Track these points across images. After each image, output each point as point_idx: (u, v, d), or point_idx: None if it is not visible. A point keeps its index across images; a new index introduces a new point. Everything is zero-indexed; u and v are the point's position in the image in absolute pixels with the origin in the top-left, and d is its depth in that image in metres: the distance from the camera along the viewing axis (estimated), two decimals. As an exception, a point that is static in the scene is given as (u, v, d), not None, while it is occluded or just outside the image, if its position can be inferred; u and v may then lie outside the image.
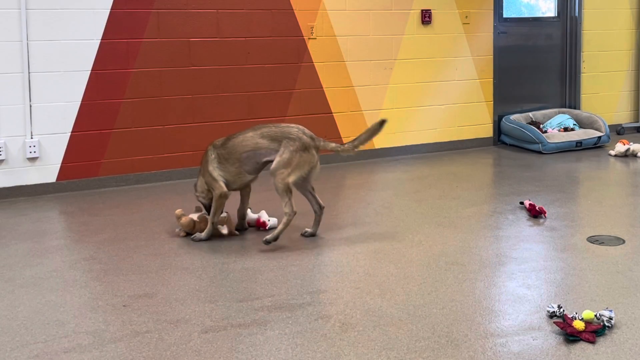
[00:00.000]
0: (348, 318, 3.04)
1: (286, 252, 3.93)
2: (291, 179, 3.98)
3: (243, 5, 5.97)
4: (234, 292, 3.36)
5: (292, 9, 6.17)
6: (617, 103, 8.02)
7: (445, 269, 3.64)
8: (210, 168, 4.14)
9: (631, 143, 6.65)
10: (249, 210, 4.42)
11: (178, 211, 4.25)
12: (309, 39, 6.25)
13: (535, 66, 7.57)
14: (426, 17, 6.74)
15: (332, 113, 6.41)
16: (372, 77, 6.58)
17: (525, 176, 5.83)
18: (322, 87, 6.35)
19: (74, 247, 4.13)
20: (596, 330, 2.83)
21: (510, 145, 7.16)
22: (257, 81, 6.07)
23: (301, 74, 6.24)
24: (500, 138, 7.26)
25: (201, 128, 5.86)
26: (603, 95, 7.92)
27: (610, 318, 2.89)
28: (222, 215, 4.25)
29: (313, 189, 4.20)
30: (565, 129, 7.19)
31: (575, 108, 7.72)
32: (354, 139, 4.19)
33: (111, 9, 5.50)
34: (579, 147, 6.92)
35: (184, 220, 4.21)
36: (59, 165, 5.43)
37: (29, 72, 5.28)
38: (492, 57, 7.17)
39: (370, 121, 6.53)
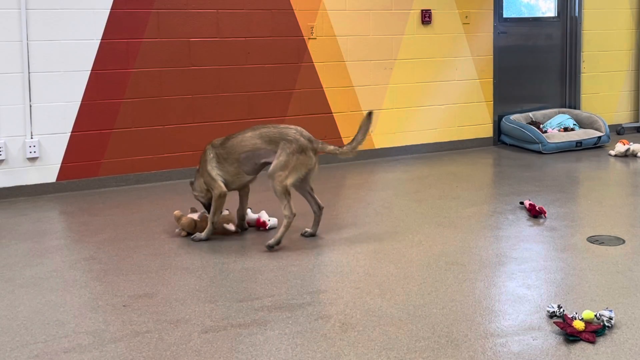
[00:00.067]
0: (348, 318, 3.04)
1: (286, 252, 3.93)
2: (289, 182, 3.97)
3: (243, 5, 5.97)
4: (234, 292, 3.36)
5: (292, 9, 6.17)
6: (617, 103, 8.02)
7: (445, 269, 3.64)
8: (209, 168, 4.14)
9: (631, 143, 6.65)
10: (249, 210, 4.42)
11: (177, 212, 4.26)
12: (309, 39, 6.25)
13: (535, 66, 7.57)
14: (426, 17, 6.75)
15: (332, 113, 6.41)
16: (372, 77, 6.58)
17: (525, 176, 5.83)
18: (322, 87, 6.35)
19: (74, 247, 4.13)
20: (596, 330, 2.83)
21: (510, 145, 7.16)
22: (257, 81, 6.07)
23: (301, 74, 6.24)
24: (500, 138, 7.27)
25: (201, 128, 5.86)
26: (603, 95, 7.92)
27: (610, 318, 2.89)
28: (224, 213, 4.25)
29: (312, 189, 4.20)
30: (565, 129, 7.19)
31: (575, 108, 7.72)
32: (351, 141, 4.14)
33: (111, 9, 5.51)
34: (579, 147, 6.92)
35: (184, 220, 4.22)
36: (59, 165, 5.43)
37: (29, 72, 5.28)
38: (492, 57, 7.17)
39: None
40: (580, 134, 7.03)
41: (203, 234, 4.16)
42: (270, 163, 4.06)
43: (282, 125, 4.15)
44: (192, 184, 4.30)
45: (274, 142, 4.04)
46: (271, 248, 3.96)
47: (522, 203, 4.82)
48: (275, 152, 4.02)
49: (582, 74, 7.75)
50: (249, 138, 4.11)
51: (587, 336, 2.79)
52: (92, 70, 5.48)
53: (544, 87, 7.69)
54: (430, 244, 4.05)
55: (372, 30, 6.54)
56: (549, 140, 6.79)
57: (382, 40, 6.59)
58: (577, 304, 3.14)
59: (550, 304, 3.05)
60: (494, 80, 7.20)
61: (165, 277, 3.58)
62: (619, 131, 7.86)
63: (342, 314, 3.08)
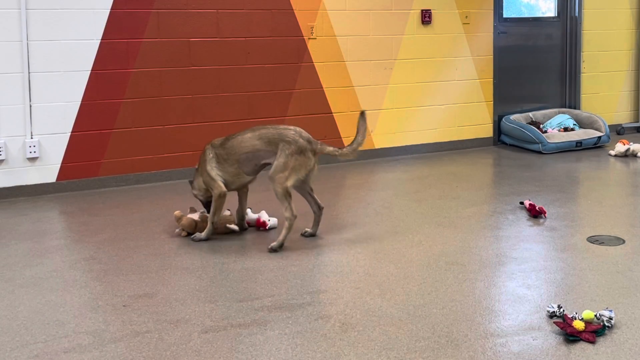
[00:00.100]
0: (348, 318, 3.04)
1: (286, 252, 3.93)
2: (289, 183, 3.97)
3: (243, 5, 5.97)
4: (234, 292, 3.36)
5: (292, 9, 6.17)
6: (617, 103, 8.02)
7: (445, 269, 3.64)
8: (209, 168, 4.14)
9: (631, 143, 6.65)
10: (248, 210, 4.42)
11: (177, 212, 4.26)
12: (309, 39, 6.25)
13: (535, 66, 7.57)
14: (426, 17, 6.75)
15: (332, 113, 6.41)
16: (372, 77, 6.58)
17: (525, 176, 5.83)
18: (322, 87, 6.35)
19: (74, 247, 4.13)
20: (596, 330, 2.83)
21: (510, 145, 7.16)
22: (257, 81, 6.07)
23: (301, 74, 6.24)
24: (500, 138, 7.27)
25: (201, 128, 5.86)
26: (603, 95, 7.92)
27: (610, 318, 2.89)
28: (225, 213, 4.25)
29: (312, 189, 4.20)
30: (565, 129, 7.19)
31: (575, 108, 7.73)
32: (352, 142, 4.12)
33: (111, 9, 5.51)
34: (579, 147, 6.92)
35: (184, 221, 4.21)
36: (59, 165, 5.43)
37: (29, 72, 5.28)
38: (492, 57, 7.17)
39: (370, 121, 6.55)
40: (580, 134, 7.03)
41: (203, 234, 4.16)
42: (270, 164, 4.06)
43: (281, 126, 4.14)
44: (191, 182, 4.30)
45: (273, 144, 4.03)
46: (274, 251, 3.95)
47: (522, 203, 4.82)
48: (275, 153, 4.02)
49: (582, 74, 7.75)
50: (249, 139, 4.10)
51: (587, 336, 2.79)
52: (92, 70, 5.48)
53: (544, 87, 7.69)
54: (430, 244, 4.05)
55: (372, 30, 6.54)
56: (549, 140, 6.80)
57: (382, 40, 6.59)
58: (577, 304, 3.14)
59: (550, 304, 3.05)
60: (494, 80, 7.20)
61: (165, 277, 3.58)
62: (619, 131, 7.86)
63: (342, 314, 3.08)
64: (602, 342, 2.78)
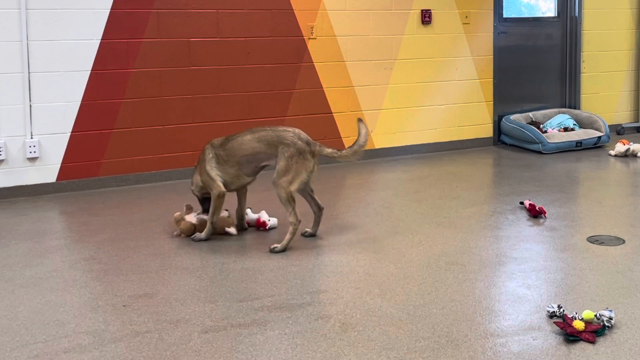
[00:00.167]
0: (348, 318, 3.04)
1: (286, 252, 3.93)
2: (293, 188, 3.97)
3: (243, 5, 5.97)
4: (234, 292, 3.36)
5: (292, 9, 6.17)
6: (617, 103, 8.02)
7: (445, 269, 3.64)
8: (208, 168, 4.14)
9: (631, 143, 6.65)
10: (248, 210, 4.42)
11: (176, 215, 4.25)
12: (309, 39, 6.25)
13: (535, 66, 7.57)
14: (426, 17, 6.75)
15: (332, 113, 6.41)
16: (372, 77, 6.58)
17: (525, 176, 5.83)
18: (322, 87, 6.35)
19: (74, 247, 4.13)
20: (596, 330, 2.83)
21: (510, 145, 7.16)
22: (257, 81, 6.07)
23: (301, 74, 6.24)
24: (500, 138, 7.27)
25: (201, 128, 5.86)
26: (603, 95, 7.92)
27: (610, 318, 2.89)
28: (224, 214, 4.25)
29: (312, 190, 4.20)
30: (565, 129, 7.19)
31: (575, 108, 7.72)
32: (352, 144, 4.11)
33: (111, 9, 5.51)
34: (579, 147, 6.92)
35: (183, 225, 4.21)
36: (59, 165, 5.43)
37: (29, 72, 5.28)
38: (492, 57, 7.17)
39: (371, 121, 6.55)
40: (580, 134, 7.03)
41: (203, 234, 4.16)
42: (269, 166, 4.06)
43: (280, 128, 4.13)
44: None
45: (273, 146, 4.03)
46: (275, 252, 3.94)
47: (522, 203, 4.82)
48: (275, 156, 4.02)
49: (582, 74, 7.75)
50: (248, 141, 4.10)
51: (587, 336, 2.79)
52: (92, 70, 5.48)
53: (544, 87, 7.69)
54: (430, 244, 4.05)
55: (372, 30, 6.54)
56: (549, 140, 6.80)
57: (382, 40, 6.59)
58: (577, 304, 3.14)
59: (550, 304, 3.05)
60: (494, 80, 7.20)
61: (165, 277, 3.58)
62: (619, 131, 7.86)
63: (342, 314, 3.08)
64: (602, 342, 2.78)
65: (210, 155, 4.16)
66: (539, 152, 6.79)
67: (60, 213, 5.00)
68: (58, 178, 5.44)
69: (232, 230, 4.25)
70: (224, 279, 3.55)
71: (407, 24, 6.69)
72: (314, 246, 4.06)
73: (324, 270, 3.69)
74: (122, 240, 4.22)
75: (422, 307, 3.14)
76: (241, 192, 4.31)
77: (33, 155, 5.33)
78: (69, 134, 5.44)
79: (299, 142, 4.00)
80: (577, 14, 7.64)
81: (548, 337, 2.83)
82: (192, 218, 4.26)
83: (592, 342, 2.77)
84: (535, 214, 4.57)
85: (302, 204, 4.19)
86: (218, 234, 4.23)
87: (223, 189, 4.11)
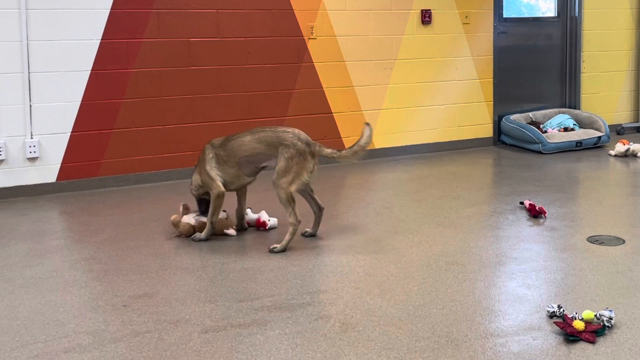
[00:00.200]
0: (348, 318, 3.04)
1: (286, 252, 3.93)
2: (293, 188, 3.97)
3: (243, 5, 5.97)
4: (234, 292, 3.36)
5: (292, 9, 6.17)
6: (617, 103, 8.02)
7: (445, 269, 3.64)
8: (208, 167, 4.14)
9: (631, 143, 6.65)
10: (248, 210, 4.42)
11: (173, 218, 4.24)
12: (309, 39, 6.25)
13: (535, 66, 7.57)
14: (426, 17, 6.75)
15: (332, 113, 6.41)
16: (372, 77, 6.58)
17: (525, 176, 5.83)
18: (322, 87, 6.35)
19: (74, 247, 4.13)
20: (596, 330, 2.83)
21: (510, 145, 7.16)
22: (257, 81, 6.07)
23: (301, 74, 6.24)
24: (500, 138, 7.27)
25: (201, 128, 5.86)
26: (603, 95, 7.92)
27: (610, 318, 2.89)
28: (222, 216, 4.25)
29: (312, 190, 4.20)
30: (565, 129, 7.19)
31: (575, 108, 7.72)
32: (353, 145, 4.09)
33: (111, 9, 5.51)
34: (579, 147, 6.92)
35: (182, 228, 4.20)
36: (59, 165, 5.43)
37: (29, 72, 5.28)
38: (492, 57, 7.17)
39: (370, 121, 6.45)
40: (580, 134, 7.03)
41: (203, 234, 4.16)
42: (269, 166, 4.07)
43: (280, 129, 4.12)
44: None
45: (273, 147, 4.03)
46: (275, 252, 3.94)
47: (522, 203, 4.82)
48: (275, 156, 4.02)
49: (582, 74, 7.75)
50: (249, 142, 4.10)
51: (587, 336, 2.79)
52: (92, 70, 5.48)
53: (544, 87, 7.69)
54: (430, 244, 4.05)
55: (372, 30, 6.54)
56: (549, 140, 6.80)
57: (382, 40, 6.59)
58: (577, 304, 3.14)
59: (550, 304, 3.05)
60: (494, 80, 7.20)
61: (165, 277, 3.58)
62: (619, 131, 7.86)
63: (342, 314, 3.08)
64: (602, 342, 2.78)
65: (211, 155, 4.16)
66: (539, 152, 6.79)
67: (60, 213, 5.00)
68: (58, 178, 5.44)
69: (231, 231, 4.25)
70: (224, 279, 3.55)
71: (407, 24, 6.69)
72: (314, 246, 4.06)
73: (324, 270, 3.69)
74: (122, 240, 4.22)
75: (422, 307, 3.14)
76: (241, 191, 4.31)
77: (33, 155, 5.33)
78: (69, 134, 5.45)
79: (299, 143, 4.00)
80: (577, 14, 7.64)
81: (548, 337, 2.83)
82: (190, 219, 4.25)
83: (592, 342, 2.77)
84: (535, 214, 4.57)
85: (302, 204, 4.19)
86: (216, 234, 4.23)
87: (222, 189, 4.12)
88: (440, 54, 6.89)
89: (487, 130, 7.23)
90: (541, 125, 7.23)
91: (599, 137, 7.03)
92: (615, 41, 7.92)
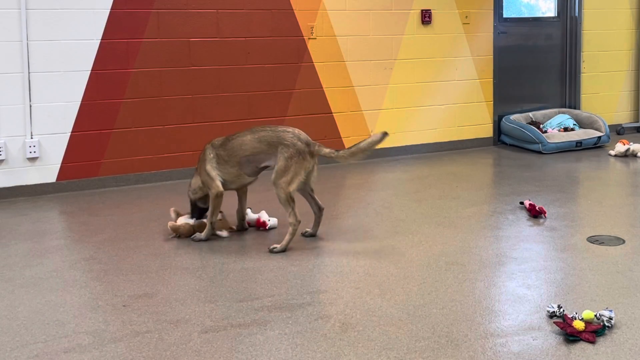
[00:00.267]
0: (348, 318, 3.04)
1: (286, 252, 3.93)
2: (292, 188, 3.97)
3: (243, 5, 5.97)
4: (234, 292, 3.36)
5: (292, 9, 6.17)
6: (617, 103, 8.02)
7: (445, 269, 3.64)
8: (208, 167, 4.14)
9: (631, 143, 6.65)
10: (249, 211, 4.42)
11: (171, 224, 4.21)
12: (309, 39, 6.25)
13: (535, 66, 7.57)
14: (426, 17, 6.75)
15: (332, 113, 6.41)
16: (372, 77, 6.58)
17: (525, 176, 5.83)
18: (322, 87, 6.35)
19: (74, 247, 4.13)
20: (596, 330, 2.83)
21: (510, 145, 7.16)
22: (257, 81, 6.07)
23: (301, 74, 6.24)
24: (500, 138, 7.27)
25: (201, 128, 5.86)
26: (603, 95, 7.92)
27: (610, 318, 2.89)
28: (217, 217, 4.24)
29: (312, 190, 4.19)
30: (565, 129, 7.19)
31: (575, 108, 7.73)
32: (351, 146, 4.07)
33: (111, 9, 5.51)
34: (579, 147, 6.92)
35: (182, 229, 4.19)
36: (59, 165, 5.43)
37: (29, 72, 5.28)
38: (492, 57, 7.17)
39: (370, 121, 6.55)
40: (580, 134, 7.03)
41: (203, 234, 4.16)
42: (270, 166, 4.06)
43: (280, 128, 4.12)
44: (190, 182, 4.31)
45: (273, 146, 4.03)
46: (275, 252, 3.94)
47: (522, 203, 4.82)
48: (275, 156, 4.01)
49: (582, 74, 7.75)
50: (249, 141, 4.10)
51: (587, 336, 2.79)
52: (92, 70, 5.48)
53: (544, 87, 7.69)
54: (430, 244, 4.05)
55: (372, 30, 6.54)
56: (549, 140, 6.80)
57: (382, 40, 6.59)
58: (577, 304, 3.14)
59: (550, 304, 3.05)
60: (494, 80, 7.20)
61: (165, 277, 3.58)
62: (619, 131, 7.86)
63: (342, 314, 3.08)
64: (602, 342, 2.78)
65: (211, 155, 4.16)
66: (539, 152, 6.79)
67: (60, 213, 5.00)
68: (58, 178, 5.44)
69: (224, 233, 4.23)
70: (224, 279, 3.55)
71: (407, 24, 6.69)
72: (314, 246, 4.06)
73: (324, 270, 3.69)
74: (122, 240, 4.22)
75: (422, 307, 3.14)
76: (242, 191, 4.31)
77: (33, 155, 5.33)
78: (69, 134, 5.45)
79: (299, 143, 4.00)
80: (577, 14, 7.64)
81: (548, 337, 2.83)
82: (189, 220, 4.24)
83: (592, 342, 2.77)
84: (535, 214, 4.57)
85: (302, 204, 4.19)
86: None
87: (221, 188, 4.11)
88: (440, 54, 6.89)
89: (487, 130, 7.23)
90: (541, 125, 7.23)
91: (599, 137, 7.03)
92: (615, 41, 7.92)
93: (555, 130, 7.16)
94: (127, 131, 5.62)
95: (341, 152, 4.08)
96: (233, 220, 4.38)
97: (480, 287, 3.39)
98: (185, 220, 4.24)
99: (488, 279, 3.50)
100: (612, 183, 5.80)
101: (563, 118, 7.37)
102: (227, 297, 3.30)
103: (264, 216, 4.41)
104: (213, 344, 2.82)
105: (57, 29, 5.35)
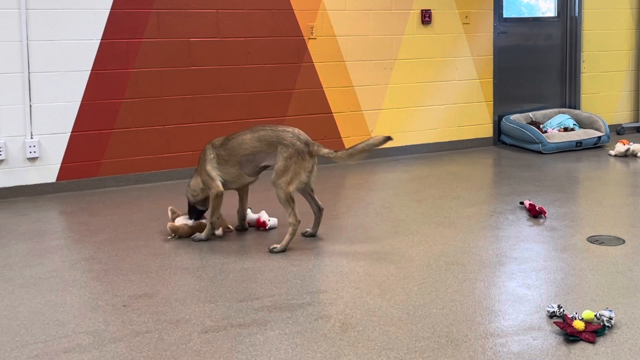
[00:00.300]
0: (348, 318, 3.04)
1: (286, 252, 3.93)
2: (291, 188, 3.96)
3: (243, 5, 5.97)
4: (234, 292, 3.36)
5: (292, 9, 6.17)
6: (617, 103, 8.02)
7: (445, 269, 3.64)
8: (209, 167, 4.14)
9: (631, 143, 6.65)
10: (249, 210, 4.42)
11: (170, 225, 4.21)
12: (309, 39, 6.25)
13: (535, 66, 7.57)
14: (426, 17, 6.75)
15: (332, 113, 6.41)
16: (372, 77, 6.58)
17: (525, 176, 5.83)
18: (322, 87, 6.35)
19: (74, 247, 4.13)
20: (596, 330, 2.83)
21: (510, 145, 7.16)
22: (257, 81, 6.07)
23: (301, 74, 6.24)
24: (500, 138, 7.26)
25: (201, 128, 5.86)
26: (603, 95, 7.92)
27: (610, 318, 2.89)
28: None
29: (312, 190, 4.19)
30: (565, 129, 7.19)
31: (575, 108, 7.73)
32: (350, 147, 4.06)
33: (111, 9, 5.51)
34: (579, 147, 6.92)
35: (181, 230, 4.19)
36: (59, 165, 5.43)
37: (29, 72, 5.28)
38: (492, 57, 7.17)
39: (370, 121, 6.55)
40: (580, 134, 7.03)
41: (203, 234, 4.16)
42: (269, 166, 4.06)
43: (279, 128, 4.12)
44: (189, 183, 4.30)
45: (272, 146, 4.03)
46: (275, 252, 3.94)
47: (522, 203, 4.82)
48: (275, 155, 4.01)
49: (582, 74, 7.75)
50: (249, 140, 4.10)
51: (587, 336, 2.79)
52: (92, 70, 5.48)
53: (544, 87, 7.69)
54: (430, 244, 4.05)
55: (372, 30, 6.54)
56: (549, 140, 6.80)
57: (382, 40, 6.59)
58: (577, 304, 3.14)
59: (550, 304, 3.05)
60: (494, 80, 7.20)
61: (165, 277, 3.58)
62: (619, 131, 7.86)
63: (342, 314, 3.08)
64: (602, 342, 2.78)
65: (212, 155, 4.16)
66: (539, 152, 6.79)
67: (60, 213, 5.00)
68: (58, 178, 5.44)
69: (219, 232, 4.23)
70: (224, 279, 3.55)
71: (407, 24, 6.69)
72: (314, 246, 4.06)
73: (324, 270, 3.69)
74: (122, 240, 4.22)
75: (422, 307, 3.14)
76: (243, 191, 4.31)
77: (33, 155, 5.33)
78: (69, 134, 5.45)
79: (298, 143, 4.00)
80: (577, 14, 7.64)
81: (548, 337, 2.83)
82: (187, 220, 4.23)
83: (592, 342, 2.77)
84: (535, 214, 4.57)
85: (302, 204, 4.19)
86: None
87: (221, 188, 4.11)
88: (440, 54, 6.89)
89: (487, 130, 7.23)
90: (541, 125, 7.24)
91: (599, 137, 7.03)
92: (615, 41, 7.92)
93: (555, 130, 7.16)
94: (127, 131, 5.63)
95: (339, 152, 4.06)
96: (232, 221, 4.38)
97: (480, 287, 3.39)
98: (183, 221, 4.24)
99: (488, 279, 3.50)
100: (612, 183, 5.80)
101: (563, 118, 7.37)
102: (227, 297, 3.30)
103: (264, 216, 4.41)
104: (213, 344, 2.82)
105: (57, 29, 5.35)
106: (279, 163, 3.97)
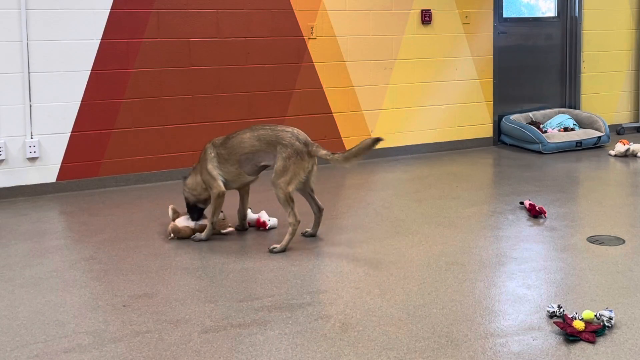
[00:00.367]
0: (348, 318, 3.04)
1: (286, 252, 3.93)
2: (291, 188, 3.96)
3: (243, 5, 5.97)
4: (234, 292, 3.36)
5: (292, 9, 6.17)
6: (617, 103, 8.02)
7: (445, 269, 3.64)
8: (210, 167, 4.14)
9: (631, 143, 6.65)
10: (249, 210, 4.42)
11: (172, 225, 4.20)
12: (309, 39, 6.25)
13: (535, 66, 7.57)
14: (426, 17, 6.75)
15: (332, 113, 6.41)
16: (372, 77, 6.58)
17: (525, 176, 5.83)
18: (322, 87, 6.35)
19: (74, 247, 4.13)
20: (596, 330, 2.83)
21: (510, 145, 7.16)
22: (257, 81, 6.07)
23: (301, 74, 6.24)
24: (500, 138, 7.27)
25: (201, 128, 5.86)
26: (603, 95, 7.92)
27: (610, 318, 2.89)
28: (219, 217, 4.24)
29: (312, 190, 4.19)
30: (565, 129, 7.20)
31: (575, 108, 7.73)
32: (346, 151, 4.06)
33: (111, 9, 5.51)
34: (579, 147, 6.92)
35: (183, 233, 4.19)
36: (59, 165, 5.43)
37: (29, 72, 5.28)
38: (492, 57, 7.17)
39: (370, 121, 6.56)
40: (580, 134, 7.03)
41: (203, 234, 4.16)
42: (269, 165, 4.06)
43: (279, 127, 4.12)
44: (185, 179, 4.28)
45: (271, 145, 4.03)
46: (275, 252, 3.94)
47: (522, 203, 4.82)
48: (274, 155, 4.01)
49: (582, 74, 7.75)
50: (248, 139, 4.10)
51: (587, 336, 2.79)
52: (92, 70, 5.48)
53: (544, 87, 7.69)
54: (430, 244, 4.05)
55: (372, 30, 6.54)
56: (549, 140, 6.80)
57: (382, 40, 6.59)
58: (577, 304, 3.14)
59: (550, 304, 3.05)
60: (494, 80, 7.20)
61: (165, 277, 3.58)
62: (619, 131, 7.86)
63: (342, 314, 3.08)
64: (602, 342, 2.78)
65: (212, 154, 4.16)
66: (539, 152, 6.79)
67: (60, 213, 5.00)
68: (58, 178, 5.44)
69: (229, 229, 4.23)
70: (224, 279, 3.55)
71: (407, 24, 6.69)
72: (314, 246, 4.06)
73: (324, 270, 3.69)
74: (122, 240, 4.22)
75: (422, 307, 3.14)
76: (243, 190, 4.31)
77: (33, 155, 5.33)
78: (69, 134, 5.45)
79: (297, 143, 3.99)
80: (577, 14, 7.64)
81: (548, 337, 2.83)
82: (188, 222, 4.23)
83: (592, 342, 2.77)
84: (535, 214, 4.57)
85: (302, 203, 4.19)
86: (214, 234, 4.22)
87: (222, 188, 4.11)
88: (440, 54, 6.89)
89: (487, 130, 7.23)
90: (541, 125, 7.24)
91: (599, 137, 7.03)
92: (615, 41, 7.92)
93: (555, 130, 7.16)
94: (127, 131, 5.63)
95: (336, 155, 4.04)
96: (232, 220, 4.38)
97: (480, 287, 3.39)
98: (185, 222, 4.23)
99: (488, 279, 3.50)
100: (612, 183, 5.80)
101: (563, 118, 7.37)
102: (227, 297, 3.30)
103: (264, 216, 4.41)
104: (213, 344, 2.82)
105: (57, 29, 5.35)
106: (278, 163, 3.97)
